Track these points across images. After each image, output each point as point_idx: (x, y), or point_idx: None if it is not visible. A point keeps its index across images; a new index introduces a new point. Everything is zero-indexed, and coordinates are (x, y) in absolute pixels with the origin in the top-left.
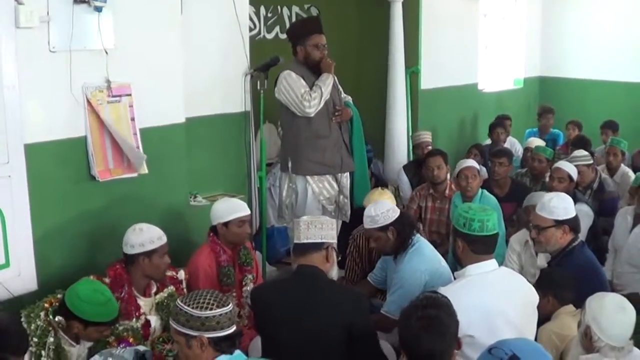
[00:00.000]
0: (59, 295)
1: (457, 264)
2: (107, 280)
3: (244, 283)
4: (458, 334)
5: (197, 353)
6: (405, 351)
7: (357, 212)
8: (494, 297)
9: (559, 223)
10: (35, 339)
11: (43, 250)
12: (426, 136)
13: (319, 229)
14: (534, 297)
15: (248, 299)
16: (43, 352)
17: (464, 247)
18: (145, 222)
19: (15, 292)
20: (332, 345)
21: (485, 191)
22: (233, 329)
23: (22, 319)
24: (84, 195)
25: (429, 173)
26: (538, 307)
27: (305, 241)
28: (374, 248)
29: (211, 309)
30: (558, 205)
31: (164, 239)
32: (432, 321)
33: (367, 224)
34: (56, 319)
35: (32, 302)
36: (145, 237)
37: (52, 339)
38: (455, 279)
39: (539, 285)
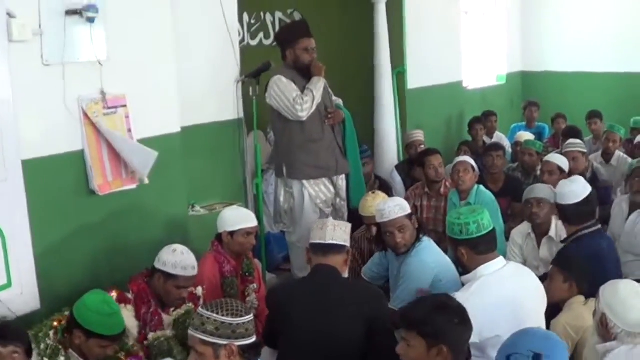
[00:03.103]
0: (67, 313)
1: (462, 270)
2: (130, 296)
3: (246, 293)
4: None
5: None
6: (455, 347)
7: (354, 214)
8: (513, 292)
9: None
10: (45, 359)
11: (45, 268)
12: (419, 135)
13: (343, 232)
14: (542, 288)
15: (252, 309)
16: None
17: (468, 253)
18: (146, 234)
19: (18, 311)
20: (353, 341)
21: (481, 186)
22: (255, 336)
23: (30, 339)
24: (83, 209)
25: (431, 172)
26: (554, 290)
27: (330, 242)
28: (400, 241)
29: (241, 316)
30: None
31: (189, 273)
32: (466, 314)
33: (397, 212)
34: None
35: (35, 321)
36: (172, 259)
37: (62, 359)
38: (464, 283)
39: (564, 267)
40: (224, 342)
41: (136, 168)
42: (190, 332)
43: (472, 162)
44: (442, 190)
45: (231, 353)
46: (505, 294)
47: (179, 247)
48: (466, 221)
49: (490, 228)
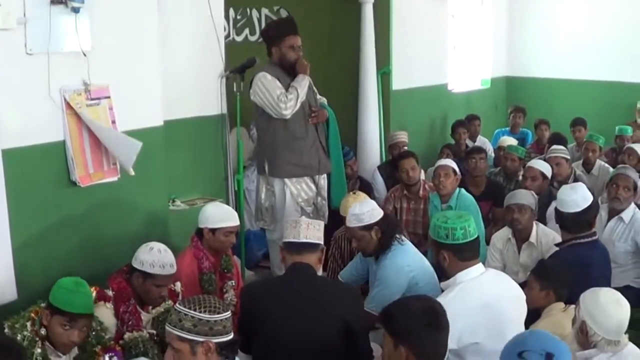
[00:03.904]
0: (43, 304)
1: (441, 274)
2: (110, 293)
3: (224, 290)
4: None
5: None
6: (421, 346)
7: (335, 214)
8: (493, 299)
9: None
10: None
11: (23, 259)
12: (402, 136)
13: (317, 230)
14: (522, 294)
15: (230, 306)
16: None
17: (450, 257)
18: (126, 227)
19: None
20: (330, 339)
21: (462, 190)
22: (232, 334)
23: (6, 330)
24: (63, 201)
25: (403, 175)
26: (532, 298)
27: (304, 240)
28: (356, 248)
29: (219, 313)
30: None
31: (167, 271)
32: (438, 309)
33: (352, 222)
34: None
35: (12, 312)
36: (149, 258)
37: (39, 350)
38: (443, 289)
39: (541, 276)
40: (201, 339)
41: (121, 159)
42: (168, 328)
43: (454, 165)
44: (420, 192)
45: (208, 350)
46: (484, 300)
47: (156, 245)
48: (453, 226)
49: (476, 235)
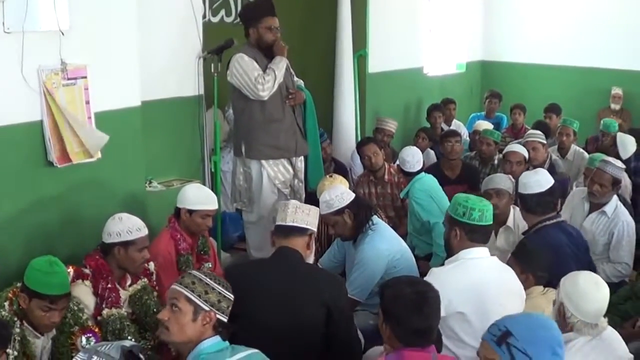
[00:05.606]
0: (19, 285)
1: (447, 252)
2: (87, 271)
3: None
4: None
5: (197, 328)
6: (398, 328)
7: (311, 196)
8: (486, 282)
9: None
10: None
11: None
12: (390, 125)
13: (306, 214)
14: (521, 290)
15: None
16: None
17: (462, 235)
18: (103, 208)
19: None
20: (312, 325)
21: (422, 175)
22: None
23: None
24: (40, 182)
25: (366, 161)
26: None
27: (291, 224)
28: (334, 234)
29: (228, 291)
30: None
31: (144, 232)
32: (427, 297)
33: (323, 209)
34: None
35: None
36: (123, 226)
37: (17, 330)
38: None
39: (521, 259)
40: (207, 308)
41: (88, 147)
42: (177, 287)
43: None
44: (386, 177)
45: (209, 321)
46: (479, 279)
47: (121, 215)
48: (472, 206)
49: (490, 222)
